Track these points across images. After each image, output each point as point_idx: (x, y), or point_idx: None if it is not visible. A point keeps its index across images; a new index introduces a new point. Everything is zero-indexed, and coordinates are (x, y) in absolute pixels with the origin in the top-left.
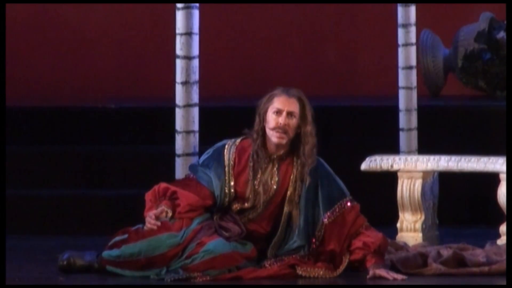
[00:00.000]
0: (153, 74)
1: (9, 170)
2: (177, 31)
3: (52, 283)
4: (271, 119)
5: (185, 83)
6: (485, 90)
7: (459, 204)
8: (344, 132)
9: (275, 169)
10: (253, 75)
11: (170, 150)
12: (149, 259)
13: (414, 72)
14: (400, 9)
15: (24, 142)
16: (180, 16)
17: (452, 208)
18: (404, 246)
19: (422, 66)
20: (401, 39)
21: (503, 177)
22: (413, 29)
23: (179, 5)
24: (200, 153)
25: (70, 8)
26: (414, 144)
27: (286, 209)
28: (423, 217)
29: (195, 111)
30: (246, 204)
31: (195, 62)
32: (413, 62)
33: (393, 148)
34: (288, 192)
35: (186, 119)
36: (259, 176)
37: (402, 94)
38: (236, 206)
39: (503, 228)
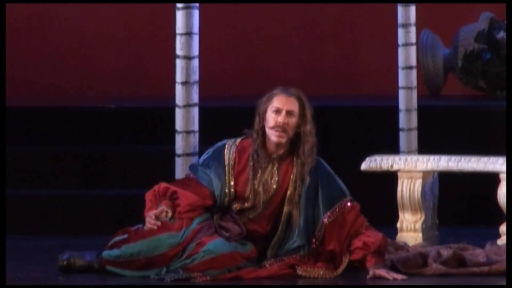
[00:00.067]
0: (153, 74)
1: (9, 170)
2: (177, 31)
3: (52, 283)
4: (271, 118)
5: (185, 83)
6: (485, 90)
7: (459, 204)
8: (344, 132)
9: (275, 168)
10: (253, 75)
11: (170, 150)
12: (149, 259)
13: (414, 72)
14: (400, 9)
15: (24, 142)
16: (180, 16)
17: (452, 208)
18: (404, 246)
19: (422, 66)
20: (401, 39)
21: (503, 177)
22: (413, 29)
23: (179, 5)
24: (200, 153)
25: (70, 8)
26: (414, 144)
27: (286, 209)
28: (423, 217)
29: (195, 111)
30: (246, 204)
31: (195, 62)
32: (413, 62)
33: (393, 148)
34: (288, 192)
35: (186, 119)
36: (259, 175)
37: (402, 94)
38: (236, 206)
39: (503, 228)
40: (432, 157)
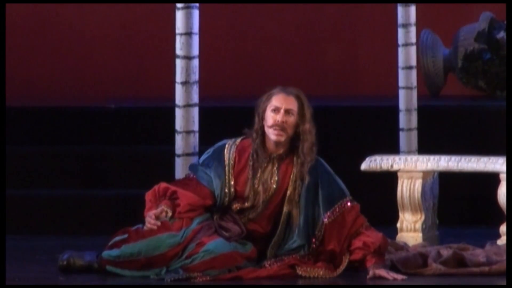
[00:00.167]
0: (153, 74)
1: (9, 170)
2: (177, 31)
3: (52, 283)
4: (269, 117)
5: (185, 83)
6: (485, 90)
7: (459, 204)
8: (344, 132)
9: (275, 168)
10: (253, 75)
11: (170, 150)
12: (149, 259)
13: (414, 72)
14: (400, 9)
15: (24, 142)
16: (180, 16)
17: (452, 208)
18: (404, 246)
19: (422, 66)
20: (401, 39)
21: (503, 177)
22: (413, 29)
23: (179, 5)
24: (200, 153)
25: (70, 8)
26: (414, 144)
27: (285, 208)
28: (423, 217)
29: (195, 111)
30: (246, 204)
31: (195, 62)
32: (413, 62)
33: (393, 148)
34: (288, 192)
35: (186, 119)
36: (258, 175)
37: (402, 94)
38: (236, 206)
39: (503, 228)
40: (432, 157)
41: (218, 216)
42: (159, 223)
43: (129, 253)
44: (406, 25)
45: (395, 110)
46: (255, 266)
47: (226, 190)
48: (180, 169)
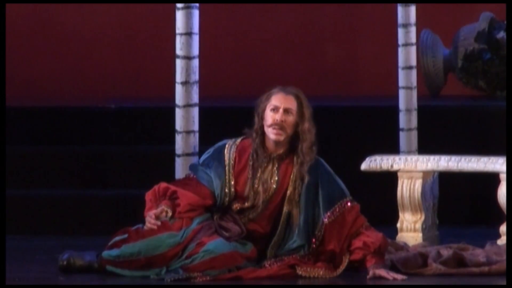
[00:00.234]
0: (153, 74)
1: (9, 170)
2: (177, 31)
3: (52, 283)
4: (269, 116)
5: (185, 83)
6: (485, 90)
7: (459, 204)
8: (344, 132)
9: (275, 168)
10: (253, 75)
11: (170, 150)
12: (149, 259)
13: (414, 72)
14: (400, 9)
15: (24, 142)
16: (180, 16)
17: (452, 208)
18: (404, 246)
19: (422, 66)
20: (401, 39)
21: (503, 177)
22: (413, 29)
23: (179, 5)
24: (200, 153)
25: (70, 8)
26: (414, 144)
27: (285, 208)
28: (423, 217)
29: (195, 111)
30: (246, 204)
31: (195, 62)
32: (413, 62)
33: (393, 148)
34: (288, 192)
35: (186, 119)
36: (258, 175)
37: (402, 94)
38: (236, 206)
39: (503, 228)
40: (432, 157)
41: (218, 216)
42: (159, 223)
43: (129, 253)
44: (406, 25)
45: (395, 110)
46: (255, 266)
47: (226, 190)
48: (180, 169)
